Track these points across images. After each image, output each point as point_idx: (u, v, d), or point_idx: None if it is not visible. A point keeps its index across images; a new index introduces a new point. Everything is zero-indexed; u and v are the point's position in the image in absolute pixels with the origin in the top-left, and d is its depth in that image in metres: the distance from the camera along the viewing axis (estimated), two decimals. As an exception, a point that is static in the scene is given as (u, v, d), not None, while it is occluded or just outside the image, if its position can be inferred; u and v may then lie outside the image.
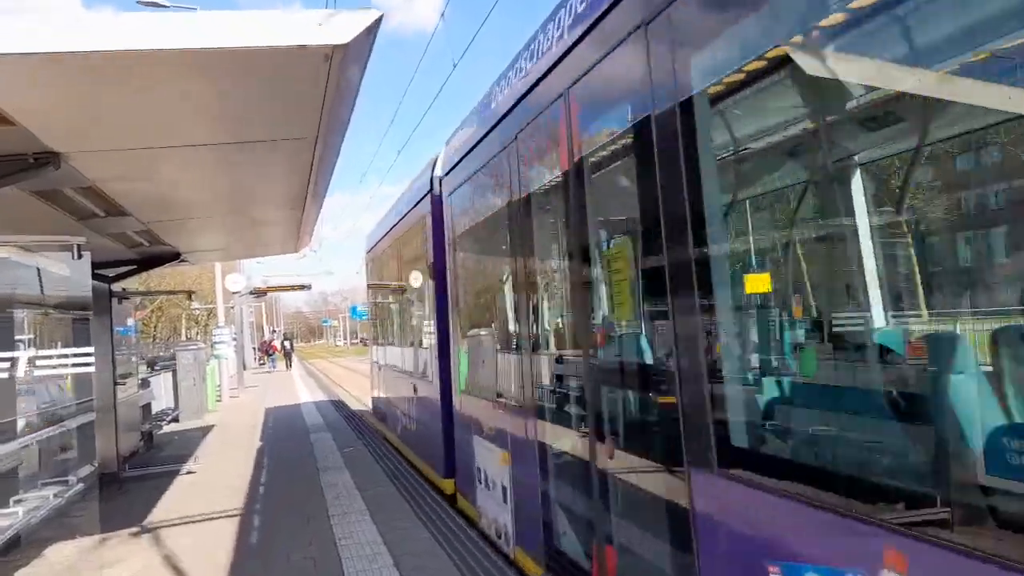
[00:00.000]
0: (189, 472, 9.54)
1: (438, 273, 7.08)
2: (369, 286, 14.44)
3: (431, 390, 7.57)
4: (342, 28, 3.22)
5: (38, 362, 4.02)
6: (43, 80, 3.35)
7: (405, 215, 9.05)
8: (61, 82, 3.41)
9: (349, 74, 3.68)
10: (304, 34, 3.18)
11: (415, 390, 8.65)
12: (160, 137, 4.35)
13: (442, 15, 15.30)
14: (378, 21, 3.33)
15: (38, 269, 5.94)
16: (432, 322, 7.41)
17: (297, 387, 24.89)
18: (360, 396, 21.51)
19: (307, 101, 3.93)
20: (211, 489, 8.46)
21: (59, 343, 8.57)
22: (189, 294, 14.91)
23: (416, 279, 8.72)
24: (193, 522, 7.03)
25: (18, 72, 3.20)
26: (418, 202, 8.10)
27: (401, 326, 10.32)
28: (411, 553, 5.46)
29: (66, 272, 5.91)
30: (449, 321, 6.84)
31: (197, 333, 54.37)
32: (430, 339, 7.56)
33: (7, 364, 3.90)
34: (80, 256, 4.11)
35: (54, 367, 4.25)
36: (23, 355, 3.97)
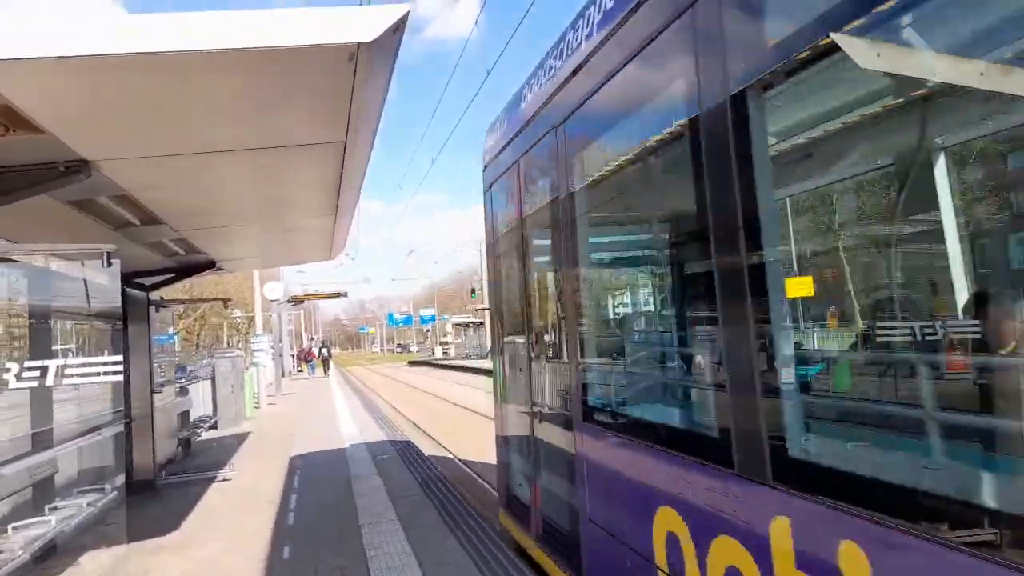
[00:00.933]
0: (224, 479, 9.58)
1: None
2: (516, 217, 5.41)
3: None
4: (367, 25, 3.11)
5: (67, 370, 4.00)
6: (70, 86, 3.32)
7: None
8: (88, 88, 3.37)
9: (376, 73, 3.58)
10: (327, 32, 3.09)
11: None
12: (189, 143, 4.33)
13: (476, 23, 15.30)
14: (404, 18, 3.21)
15: (84, 280, 6.02)
16: None
17: (334, 397, 25.02)
18: (403, 409, 21.53)
19: (334, 102, 3.84)
20: (245, 496, 8.46)
21: (106, 351, 8.71)
22: (225, 302, 15.05)
23: None
24: (227, 529, 7.01)
25: (45, 78, 3.17)
26: None
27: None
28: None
29: (102, 281, 5.96)
30: None
31: (238, 341, 55.44)
32: None
33: (38, 373, 3.89)
34: (110, 264, 4.09)
35: (84, 375, 4.22)
36: (53, 364, 3.96)
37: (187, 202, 5.85)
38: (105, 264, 4.06)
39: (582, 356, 3.96)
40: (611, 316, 4.86)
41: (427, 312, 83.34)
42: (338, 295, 35.49)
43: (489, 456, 9.80)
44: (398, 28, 3.23)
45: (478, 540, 5.99)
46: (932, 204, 2.96)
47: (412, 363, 66.52)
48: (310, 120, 4.20)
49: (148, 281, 9.23)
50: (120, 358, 4.22)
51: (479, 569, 5.25)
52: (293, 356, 47.24)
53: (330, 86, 3.61)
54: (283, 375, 31.58)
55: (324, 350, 44.40)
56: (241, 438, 13.94)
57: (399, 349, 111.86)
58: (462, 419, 17.10)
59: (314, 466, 10.37)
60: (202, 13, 3.01)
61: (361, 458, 10.67)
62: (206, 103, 3.73)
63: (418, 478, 8.88)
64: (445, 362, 57.80)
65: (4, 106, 3.34)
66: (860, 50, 2.03)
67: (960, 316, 2.90)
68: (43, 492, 5.68)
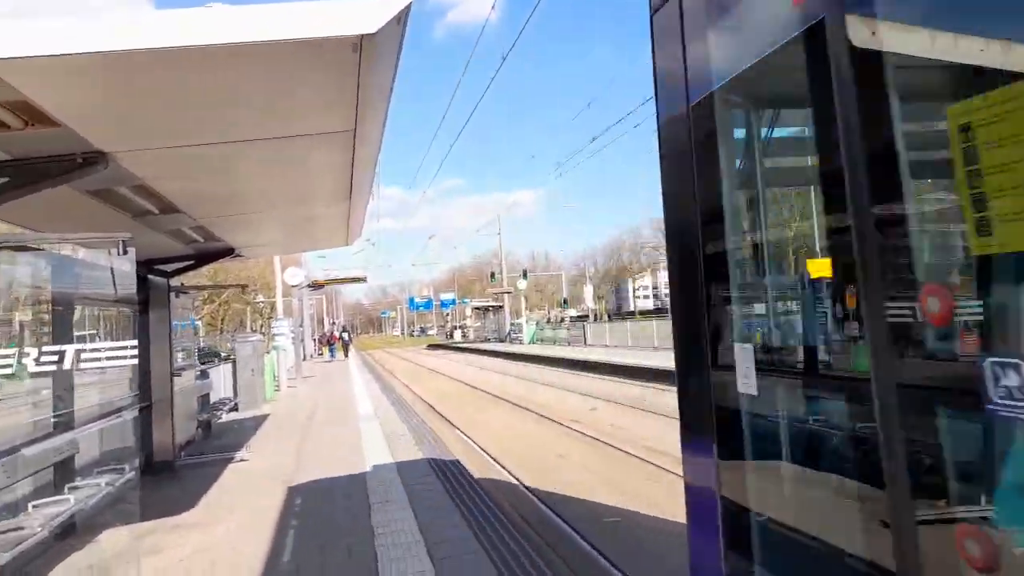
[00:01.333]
0: (242, 460, 9.79)
1: None
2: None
3: None
4: (369, 17, 3.14)
5: (86, 355, 4.12)
6: (85, 81, 3.39)
7: None
8: (103, 83, 3.45)
9: (380, 64, 3.61)
10: (331, 24, 3.12)
11: None
12: (200, 135, 4.40)
13: (493, 6, 15.27)
14: (407, 8, 3.24)
15: (111, 268, 6.16)
16: None
17: (353, 382, 25.24)
18: (419, 391, 21.68)
19: (341, 93, 3.89)
20: (261, 476, 8.65)
21: (131, 336, 8.93)
22: (243, 287, 15.35)
23: None
24: (242, 508, 7.18)
25: (60, 74, 3.24)
26: None
27: None
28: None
29: (125, 268, 6.10)
30: None
31: (261, 325, 56.18)
32: None
33: (56, 357, 4.02)
34: (125, 252, 4.19)
35: (107, 359, 4.35)
36: (72, 348, 4.08)
37: (202, 191, 5.95)
38: (120, 252, 4.16)
39: None
40: None
41: (447, 296, 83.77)
42: (357, 280, 35.82)
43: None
44: (401, 18, 3.26)
45: None
46: None
47: (432, 346, 67.09)
48: (319, 110, 4.26)
49: (169, 268, 9.40)
50: (135, 343, 4.34)
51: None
52: (315, 340, 47.97)
53: (336, 77, 3.65)
54: (304, 358, 32.05)
55: (344, 334, 45.02)
56: (260, 420, 14.20)
57: (419, 332, 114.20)
58: (499, 411, 17.23)
59: (329, 449, 10.53)
60: (209, 8, 3.06)
61: (378, 448, 10.82)
62: (215, 96, 3.79)
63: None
64: (464, 345, 58.20)
65: (22, 101, 3.43)
66: None
67: None
68: (64, 472, 5.88)
